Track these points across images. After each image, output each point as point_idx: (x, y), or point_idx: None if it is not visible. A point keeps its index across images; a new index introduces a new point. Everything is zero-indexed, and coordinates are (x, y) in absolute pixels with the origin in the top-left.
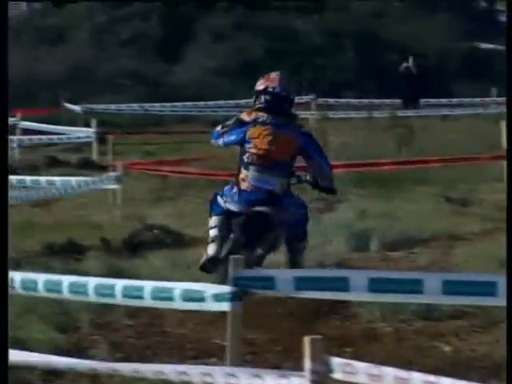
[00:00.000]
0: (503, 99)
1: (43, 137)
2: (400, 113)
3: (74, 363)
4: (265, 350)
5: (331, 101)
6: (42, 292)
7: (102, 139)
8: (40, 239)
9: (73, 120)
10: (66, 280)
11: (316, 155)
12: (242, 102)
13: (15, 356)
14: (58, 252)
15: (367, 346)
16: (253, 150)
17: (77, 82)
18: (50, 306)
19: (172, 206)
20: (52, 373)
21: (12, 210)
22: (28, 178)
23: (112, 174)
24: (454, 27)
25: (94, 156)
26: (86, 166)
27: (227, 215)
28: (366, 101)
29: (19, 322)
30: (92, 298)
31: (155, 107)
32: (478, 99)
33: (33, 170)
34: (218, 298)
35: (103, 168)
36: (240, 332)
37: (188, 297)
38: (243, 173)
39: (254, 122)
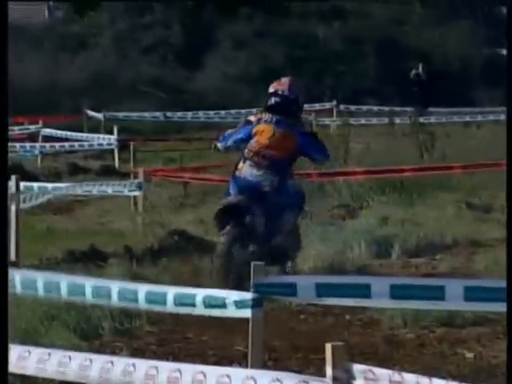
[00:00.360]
0: None
1: (65, 144)
2: (422, 119)
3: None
4: (286, 356)
5: (352, 107)
6: (64, 296)
7: (123, 146)
8: (62, 246)
9: (95, 127)
10: (89, 284)
11: (316, 154)
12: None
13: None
14: (80, 259)
15: (389, 353)
16: (254, 145)
17: (99, 90)
18: (73, 312)
19: (193, 212)
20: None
21: (34, 218)
22: (50, 185)
23: (134, 180)
24: (476, 34)
25: (116, 163)
26: (108, 173)
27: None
28: (387, 107)
29: (42, 329)
30: (115, 302)
31: (177, 114)
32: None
33: (55, 176)
34: (239, 304)
35: (125, 175)
36: (261, 338)
37: (210, 303)
38: (241, 164)
39: (259, 121)
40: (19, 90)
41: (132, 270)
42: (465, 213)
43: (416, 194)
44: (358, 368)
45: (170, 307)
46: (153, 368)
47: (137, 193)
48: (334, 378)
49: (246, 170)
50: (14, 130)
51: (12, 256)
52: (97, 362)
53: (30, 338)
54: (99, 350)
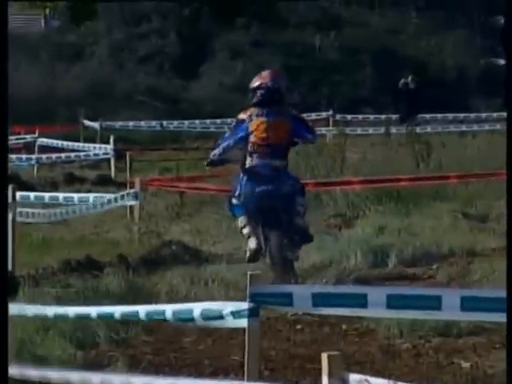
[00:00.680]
0: None
1: (61, 154)
2: (418, 129)
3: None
4: (282, 366)
5: (349, 117)
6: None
7: (119, 156)
8: (58, 256)
9: (91, 136)
10: (94, 310)
11: (306, 134)
12: None
13: (34, 373)
14: (77, 269)
15: (385, 363)
16: (254, 139)
17: (95, 99)
18: (69, 322)
19: (190, 222)
20: None
21: (30, 227)
22: (46, 195)
23: (130, 190)
24: (472, 43)
25: (112, 173)
26: (104, 182)
27: (247, 210)
28: (383, 117)
29: (38, 339)
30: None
31: (173, 124)
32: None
33: (51, 186)
34: (235, 314)
35: (121, 185)
36: (258, 348)
37: (207, 316)
38: (248, 160)
39: (251, 117)
40: (15, 99)
41: (128, 280)
42: (461, 222)
43: (412, 203)
44: (354, 377)
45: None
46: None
47: (133, 202)
48: None
49: (255, 161)
50: (11, 140)
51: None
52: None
53: (26, 348)
54: (95, 360)
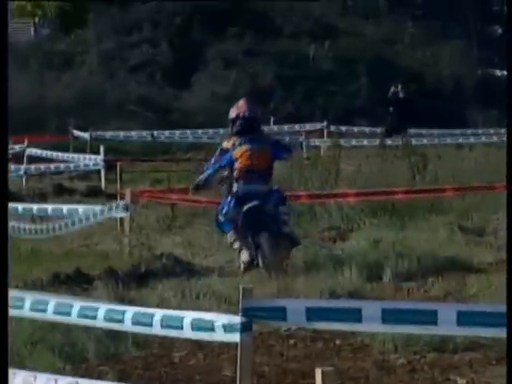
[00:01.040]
0: None
1: (50, 165)
2: (414, 140)
3: None
4: (275, 382)
5: (343, 128)
6: (50, 315)
7: (110, 167)
8: (47, 268)
9: (80, 147)
10: (76, 304)
11: (284, 155)
12: None
13: None
14: (66, 281)
15: (380, 378)
16: (239, 166)
17: (85, 108)
18: (58, 336)
19: (181, 234)
20: None
21: (19, 239)
22: (35, 206)
23: (120, 202)
24: (469, 54)
25: (102, 184)
26: (94, 193)
27: (236, 226)
28: (378, 129)
29: (25, 352)
30: (100, 323)
31: (164, 134)
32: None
33: (39, 197)
34: (227, 328)
35: (111, 196)
36: (250, 363)
37: (197, 326)
38: (235, 186)
39: (234, 146)
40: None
41: (118, 293)
42: (457, 236)
43: (407, 216)
44: None
45: (157, 329)
46: None
47: (123, 214)
48: None
49: (242, 187)
50: None
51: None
52: None
53: (13, 361)
54: (84, 375)
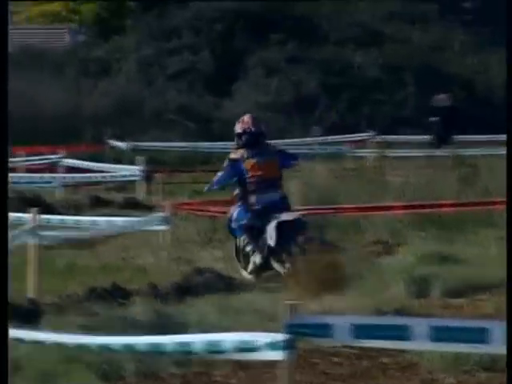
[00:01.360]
0: None
1: (86, 175)
2: (463, 151)
3: None
4: None
5: (390, 138)
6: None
7: (147, 178)
8: (83, 282)
9: (118, 157)
10: (118, 340)
11: (291, 164)
12: (298, 140)
13: None
14: (102, 296)
15: None
16: (252, 179)
17: (122, 117)
18: (94, 354)
19: (221, 248)
20: None
21: (55, 252)
22: (70, 218)
23: (159, 214)
24: None
25: (140, 195)
26: (132, 205)
27: (248, 230)
28: (425, 137)
29: (62, 370)
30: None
31: (204, 144)
32: None
33: (75, 209)
34: (271, 346)
35: (149, 208)
36: (294, 381)
37: (240, 348)
38: (251, 198)
39: (243, 158)
40: (39, 117)
41: (156, 309)
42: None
43: (456, 229)
44: None
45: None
46: None
47: (163, 227)
48: None
49: (258, 198)
50: (34, 161)
51: (31, 293)
52: None
53: (49, 381)
54: None
